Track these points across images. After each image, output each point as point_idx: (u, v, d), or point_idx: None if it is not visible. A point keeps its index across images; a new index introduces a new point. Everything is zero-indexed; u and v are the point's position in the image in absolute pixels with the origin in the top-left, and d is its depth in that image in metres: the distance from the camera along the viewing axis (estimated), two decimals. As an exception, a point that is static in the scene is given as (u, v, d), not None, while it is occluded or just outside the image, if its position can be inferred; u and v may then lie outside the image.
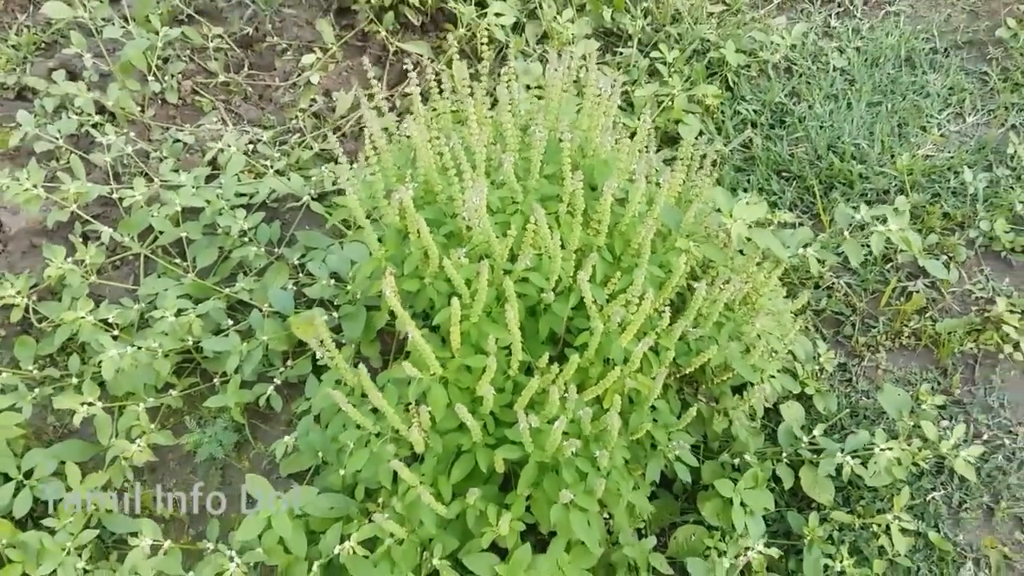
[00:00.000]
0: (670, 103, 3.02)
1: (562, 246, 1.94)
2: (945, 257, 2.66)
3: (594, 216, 1.99)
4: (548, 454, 1.84)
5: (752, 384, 2.22)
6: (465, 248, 1.92)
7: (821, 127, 3.01)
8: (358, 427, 1.92)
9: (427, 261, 1.97)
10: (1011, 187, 2.78)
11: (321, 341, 1.92)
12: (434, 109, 2.26)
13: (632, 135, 2.31)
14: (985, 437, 2.33)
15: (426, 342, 1.82)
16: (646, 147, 2.19)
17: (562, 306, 1.97)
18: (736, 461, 2.22)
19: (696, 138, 2.73)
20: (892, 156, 2.91)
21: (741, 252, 2.17)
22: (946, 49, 3.29)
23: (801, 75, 3.21)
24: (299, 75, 3.40)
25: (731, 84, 3.19)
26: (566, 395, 1.85)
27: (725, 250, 2.08)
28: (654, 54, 3.17)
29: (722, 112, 3.10)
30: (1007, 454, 2.31)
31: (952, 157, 2.89)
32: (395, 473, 1.86)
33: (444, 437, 1.92)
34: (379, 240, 2.04)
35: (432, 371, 1.87)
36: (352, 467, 1.94)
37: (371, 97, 2.75)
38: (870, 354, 2.52)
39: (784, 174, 2.93)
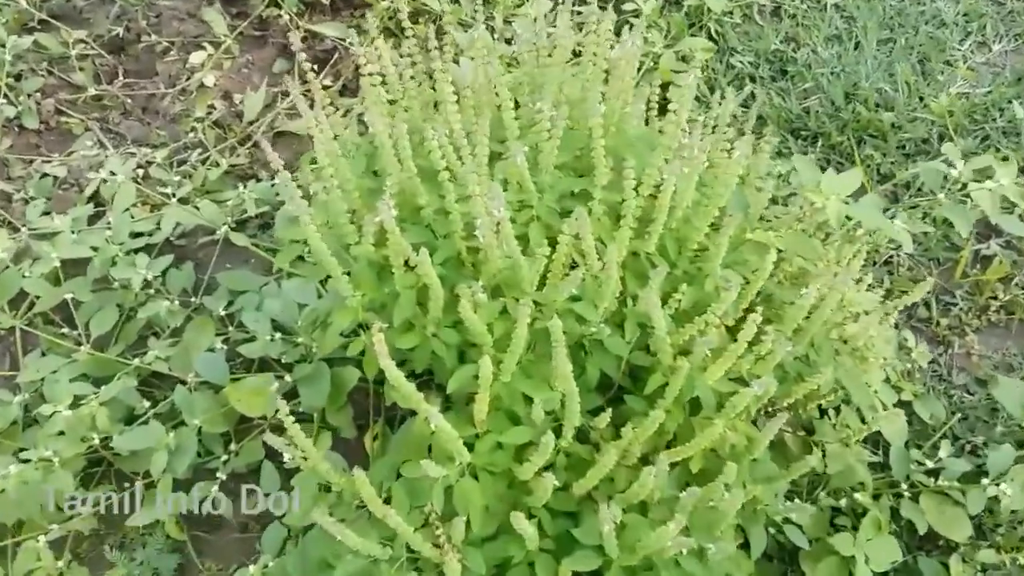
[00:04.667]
0: (653, 64, 2.50)
1: (598, 258, 1.42)
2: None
3: (639, 214, 1.45)
4: (639, 556, 1.30)
5: (845, 404, 1.74)
6: (480, 281, 1.37)
7: (832, 74, 2.54)
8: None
9: (420, 305, 1.41)
10: (1065, 116, 2.37)
11: (290, 438, 1.32)
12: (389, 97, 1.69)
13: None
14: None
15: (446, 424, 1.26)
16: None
17: (618, 341, 1.43)
18: (842, 503, 1.73)
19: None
20: (922, 99, 2.47)
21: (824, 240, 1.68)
22: (947, -29, 2.87)
23: (793, 16, 2.74)
24: (189, 78, 2.75)
25: (714, 35, 2.69)
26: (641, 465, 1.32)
27: (813, 239, 1.58)
28: (626, 6, 2.65)
29: (712, 69, 2.61)
30: None
31: (990, 92, 2.47)
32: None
33: (483, 548, 1.36)
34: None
35: (457, 461, 1.31)
36: (355, 608, 1.36)
37: (304, 93, 2.16)
38: (957, 339, 2.06)
39: (802, 133, 2.45)
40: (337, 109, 2.20)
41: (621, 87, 1.56)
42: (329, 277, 1.44)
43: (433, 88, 1.66)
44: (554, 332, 1.25)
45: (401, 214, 1.53)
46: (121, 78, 2.79)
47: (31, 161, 2.57)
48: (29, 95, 2.68)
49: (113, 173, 2.19)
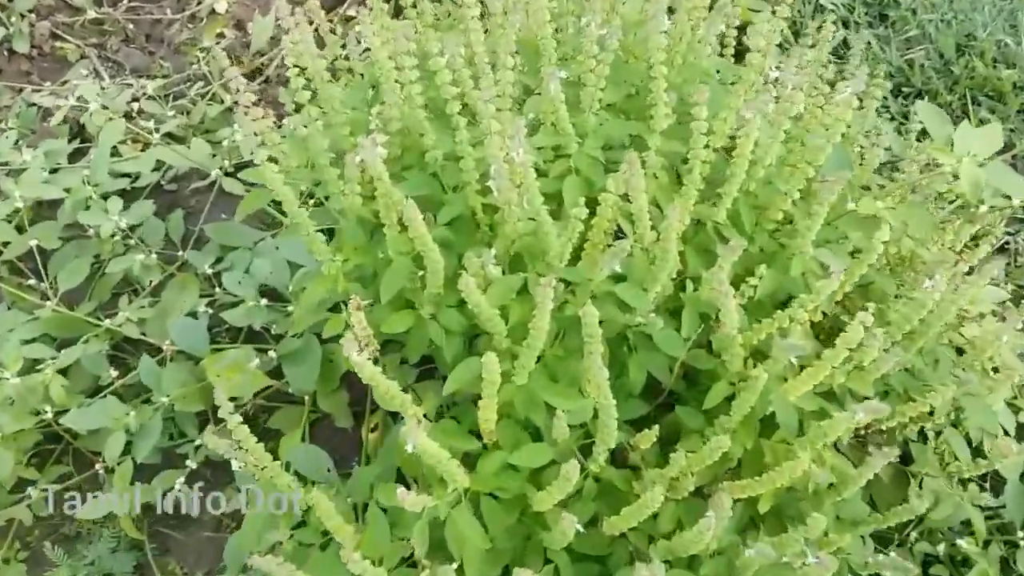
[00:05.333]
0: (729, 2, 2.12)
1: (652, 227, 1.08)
2: None
3: (706, 171, 1.11)
4: (686, 626, 0.97)
5: (952, 426, 1.38)
6: (493, 248, 1.04)
7: (943, 21, 2.14)
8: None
9: (420, 276, 1.09)
10: None
11: (237, 441, 1.01)
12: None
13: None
14: None
15: (439, 435, 0.94)
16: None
17: (673, 337, 1.10)
18: (939, 549, 1.38)
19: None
20: (1049, 53, 2.07)
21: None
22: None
23: (897, -49, 2.33)
24: (199, 3, 2.45)
25: (802, -31, 2.31)
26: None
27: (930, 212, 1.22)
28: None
29: (798, 11, 2.22)
30: None
31: None
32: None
33: (481, 598, 1.05)
34: (328, 240, 1.14)
35: (452, 487, 0.99)
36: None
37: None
38: (1090, 346, 1.68)
39: (904, 89, 2.06)
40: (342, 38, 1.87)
41: (692, 6, 1.21)
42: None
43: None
44: (587, 323, 0.92)
45: (404, 159, 1.21)
46: (126, 1, 2.50)
47: (20, 90, 2.29)
48: (22, 16, 2.39)
49: (88, 101, 1.88)
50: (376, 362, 1.14)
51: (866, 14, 2.20)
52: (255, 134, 1.03)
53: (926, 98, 2.01)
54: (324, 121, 1.20)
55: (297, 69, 1.14)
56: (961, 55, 2.08)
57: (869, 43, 2.12)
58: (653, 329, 1.08)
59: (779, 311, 1.06)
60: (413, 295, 1.10)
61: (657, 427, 1.06)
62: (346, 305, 1.15)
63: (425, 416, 1.00)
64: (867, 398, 1.10)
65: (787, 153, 1.22)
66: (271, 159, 1.03)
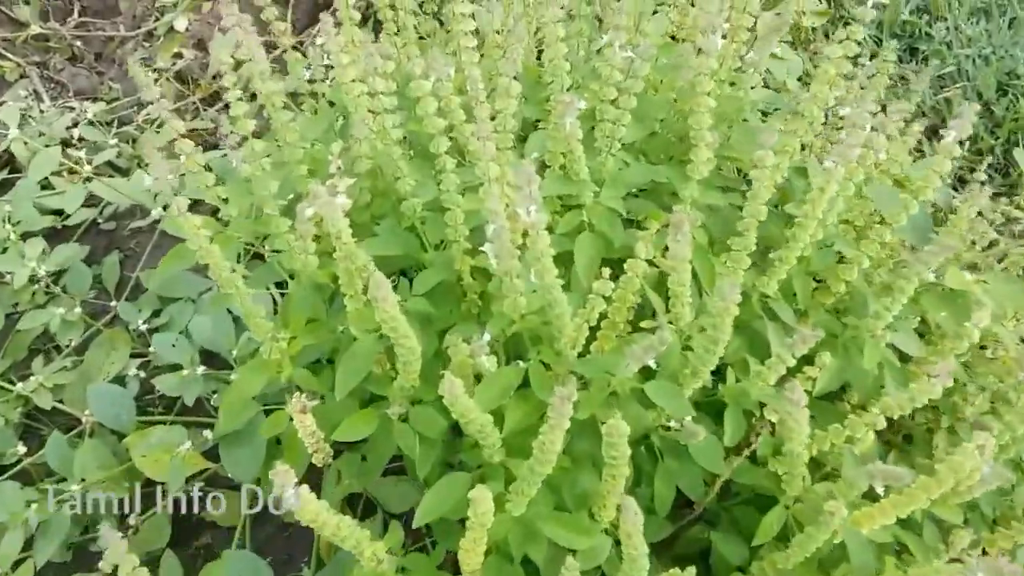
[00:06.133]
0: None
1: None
2: None
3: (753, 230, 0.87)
4: None
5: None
6: (488, 331, 0.79)
7: (980, 57, 1.94)
8: None
9: (387, 360, 0.84)
10: None
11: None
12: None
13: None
14: None
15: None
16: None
17: (712, 447, 0.85)
18: None
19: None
20: (1098, 96, 1.86)
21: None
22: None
23: (927, -18, 2.13)
24: (157, 20, 2.20)
25: None
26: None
27: (1031, 286, 0.98)
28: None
29: (811, 35, 2.01)
30: None
31: None
32: None
33: None
34: (275, 311, 0.89)
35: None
36: None
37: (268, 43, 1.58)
38: None
39: (938, 131, 1.84)
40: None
41: (737, 25, 0.98)
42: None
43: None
44: (612, 443, 0.67)
45: (375, 207, 0.97)
46: (76, 16, 2.25)
47: (-51, 111, 2.03)
48: (-44, 29, 2.14)
49: (7, 126, 1.62)
50: (328, 468, 0.89)
51: (897, 47, 1.99)
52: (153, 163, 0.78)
53: (964, 143, 1.79)
54: (275, 158, 0.96)
55: (239, 92, 0.89)
56: (1003, 95, 1.87)
57: (905, 78, 1.91)
58: (691, 439, 0.83)
59: (854, 417, 0.82)
60: (378, 384, 0.85)
61: (693, 568, 0.81)
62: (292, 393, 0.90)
63: (390, 551, 0.75)
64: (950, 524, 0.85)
65: (844, 208, 0.99)
66: (195, 205, 0.78)
